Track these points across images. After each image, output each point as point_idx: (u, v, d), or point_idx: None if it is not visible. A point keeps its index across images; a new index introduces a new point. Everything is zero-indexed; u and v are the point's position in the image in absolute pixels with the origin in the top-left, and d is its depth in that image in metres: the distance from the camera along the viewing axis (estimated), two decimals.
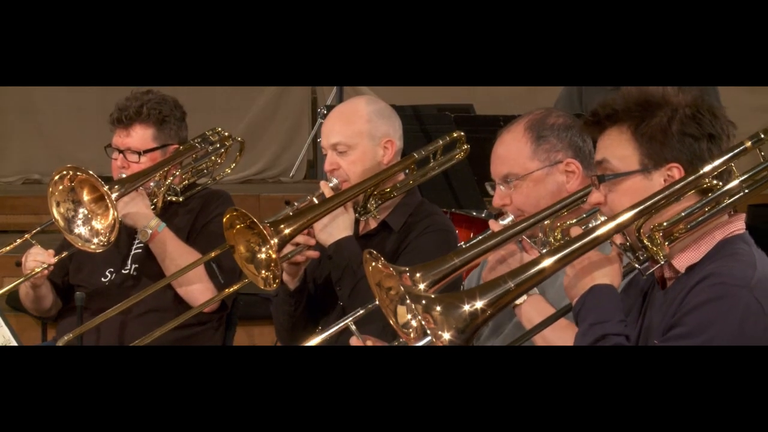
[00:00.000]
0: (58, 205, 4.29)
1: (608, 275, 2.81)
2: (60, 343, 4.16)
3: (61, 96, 8.89)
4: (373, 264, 2.89)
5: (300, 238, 3.89)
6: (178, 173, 4.50)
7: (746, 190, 2.81)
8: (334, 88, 6.65)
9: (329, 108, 5.70)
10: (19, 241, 4.48)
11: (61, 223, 4.29)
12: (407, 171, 4.11)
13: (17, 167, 9.03)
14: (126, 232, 4.52)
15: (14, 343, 4.00)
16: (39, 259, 4.34)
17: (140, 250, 4.50)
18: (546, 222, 3.20)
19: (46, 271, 4.35)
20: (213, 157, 4.63)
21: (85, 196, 4.31)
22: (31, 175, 8.97)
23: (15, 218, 7.73)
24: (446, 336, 2.67)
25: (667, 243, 2.77)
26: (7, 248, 4.50)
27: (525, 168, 3.47)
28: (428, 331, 2.69)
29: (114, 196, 4.21)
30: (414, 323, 2.78)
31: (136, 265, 4.49)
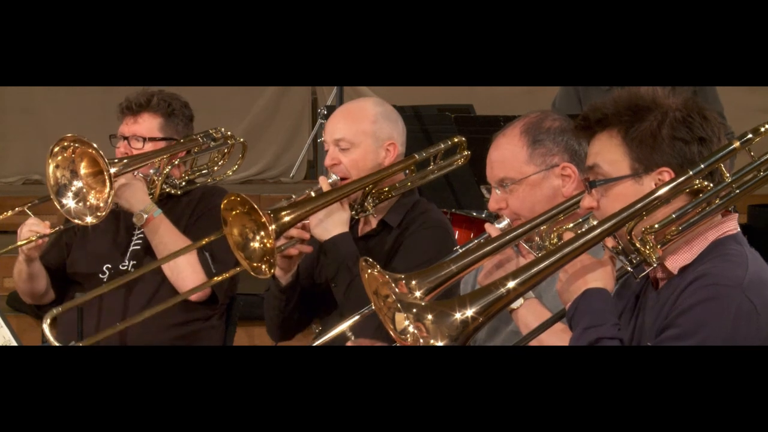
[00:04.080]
0: (57, 167, 4.29)
1: (601, 279, 2.80)
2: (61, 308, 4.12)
3: (61, 96, 8.89)
4: (369, 272, 2.88)
5: (294, 232, 3.89)
6: (177, 163, 4.51)
7: (737, 191, 2.80)
8: (334, 88, 6.65)
9: (329, 108, 5.70)
10: (10, 212, 4.49)
11: (52, 182, 4.28)
12: (406, 172, 4.12)
13: (17, 167, 9.04)
14: (125, 227, 4.53)
15: (14, 344, 4.00)
16: (34, 229, 4.34)
17: (138, 247, 4.50)
18: (543, 226, 3.21)
19: (40, 242, 4.34)
20: (214, 156, 4.64)
21: (83, 170, 4.30)
22: (31, 175, 8.97)
23: (15, 219, 7.74)
24: (439, 345, 2.68)
25: (659, 245, 2.76)
26: (1, 216, 4.51)
27: (521, 172, 3.47)
28: (421, 340, 2.69)
29: (113, 170, 4.21)
30: (411, 329, 2.78)
31: (134, 262, 4.49)
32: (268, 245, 3.76)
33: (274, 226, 3.75)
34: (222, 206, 3.83)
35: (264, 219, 3.74)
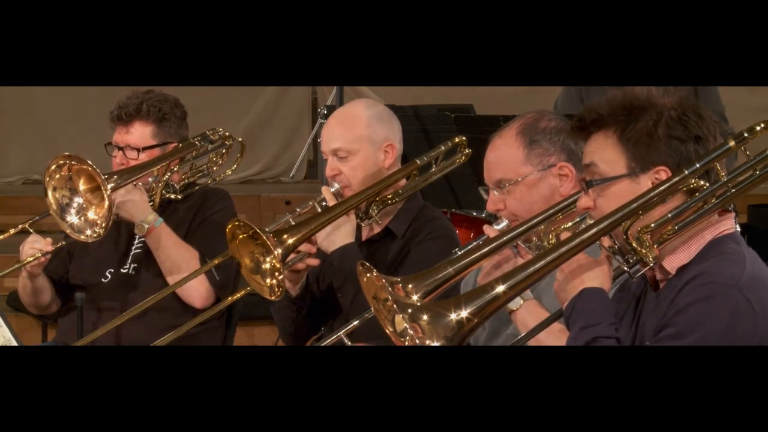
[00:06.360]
0: (54, 189, 4.29)
1: (598, 278, 2.80)
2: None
3: (61, 96, 8.88)
4: (367, 276, 2.89)
5: (302, 246, 3.89)
6: (176, 169, 4.50)
7: (733, 190, 2.80)
8: (334, 88, 6.64)
9: (329, 108, 5.70)
10: (13, 231, 4.49)
11: (54, 206, 4.29)
12: (409, 177, 4.11)
13: (17, 167, 9.03)
14: (126, 232, 4.52)
15: (14, 343, 4.00)
16: (36, 246, 4.34)
17: (139, 250, 4.50)
18: (541, 227, 3.20)
19: (43, 259, 4.34)
20: (213, 157, 4.63)
21: (82, 186, 4.31)
22: (31, 175, 8.96)
23: (15, 218, 7.73)
24: (435, 345, 2.68)
25: (656, 245, 2.76)
26: (3, 236, 4.52)
27: (518, 173, 3.47)
28: (417, 341, 2.70)
29: (110, 186, 4.21)
30: (411, 331, 2.79)
31: (135, 265, 4.49)
32: (277, 266, 3.77)
33: (280, 250, 3.76)
34: (226, 232, 3.83)
35: (270, 243, 3.75)
